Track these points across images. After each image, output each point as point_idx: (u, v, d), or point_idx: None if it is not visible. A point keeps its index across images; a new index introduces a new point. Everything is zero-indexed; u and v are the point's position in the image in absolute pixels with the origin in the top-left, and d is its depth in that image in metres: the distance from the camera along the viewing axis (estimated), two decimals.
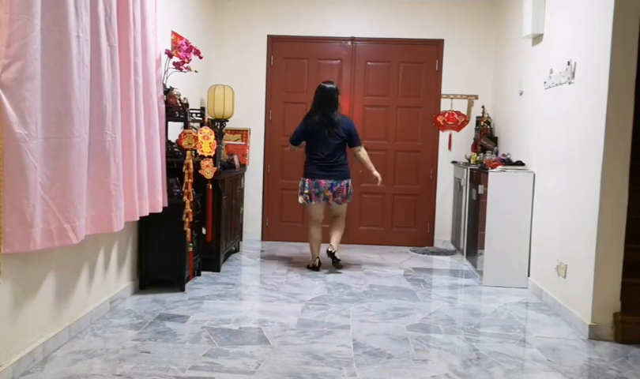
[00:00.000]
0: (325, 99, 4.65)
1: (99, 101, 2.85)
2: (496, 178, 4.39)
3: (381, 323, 3.44)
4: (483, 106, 5.81)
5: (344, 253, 5.35)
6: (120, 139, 3.07)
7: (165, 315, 3.40)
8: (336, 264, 4.75)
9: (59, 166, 2.51)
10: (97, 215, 2.90)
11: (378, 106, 5.99)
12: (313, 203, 4.65)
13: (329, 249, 4.69)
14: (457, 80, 5.93)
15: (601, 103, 3.28)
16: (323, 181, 4.61)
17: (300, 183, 4.73)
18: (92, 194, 2.86)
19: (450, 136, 5.96)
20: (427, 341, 3.16)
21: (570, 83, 3.75)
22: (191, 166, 3.84)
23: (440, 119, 5.93)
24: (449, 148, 5.97)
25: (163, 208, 3.68)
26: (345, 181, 4.66)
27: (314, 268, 4.75)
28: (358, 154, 4.79)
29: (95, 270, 3.23)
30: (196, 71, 4.37)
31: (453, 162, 5.93)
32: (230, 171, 4.84)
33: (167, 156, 3.83)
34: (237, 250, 5.42)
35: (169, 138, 4.03)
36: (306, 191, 4.64)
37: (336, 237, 4.76)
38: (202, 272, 4.42)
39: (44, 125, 2.41)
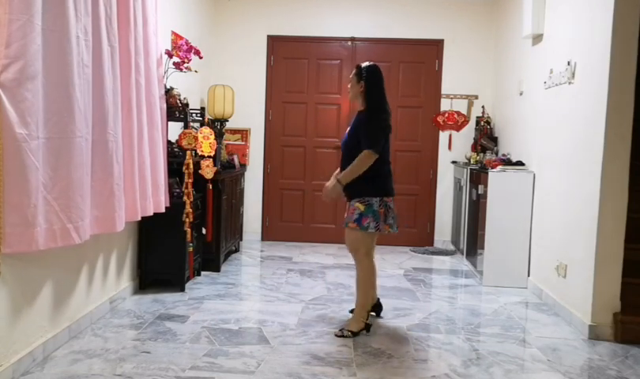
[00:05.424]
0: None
1: (101, 101, 2.85)
2: (496, 178, 4.39)
3: (381, 323, 3.44)
4: (483, 106, 5.81)
5: (344, 256, 5.34)
6: (121, 139, 3.08)
7: (165, 315, 3.40)
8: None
9: (61, 167, 2.51)
10: (101, 216, 2.91)
11: None
12: (380, 231, 3.23)
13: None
14: (457, 80, 5.93)
15: (601, 103, 3.28)
16: (391, 199, 3.32)
17: (365, 206, 3.18)
18: (96, 194, 2.87)
19: (450, 136, 5.96)
20: (427, 341, 3.16)
21: (570, 83, 3.75)
22: (191, 166, 3.84)
23: (440, 119, 5.93)
24: (449, 148, 5.97)
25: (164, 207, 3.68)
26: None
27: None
28: None
29: (95, 270, 3.23)
30: (196, 71, 4.37)
31: (453, 162, 5.93)
32: (230, 171, 4.84)
33: (167, 156, 3.82)
34: (237, 250, 5.42)
35: (169, 138, 4.03)
36: (376, 215, 3.19)
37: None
38: (202, 272, 4.41)
39: (46, 125, 2.41)
